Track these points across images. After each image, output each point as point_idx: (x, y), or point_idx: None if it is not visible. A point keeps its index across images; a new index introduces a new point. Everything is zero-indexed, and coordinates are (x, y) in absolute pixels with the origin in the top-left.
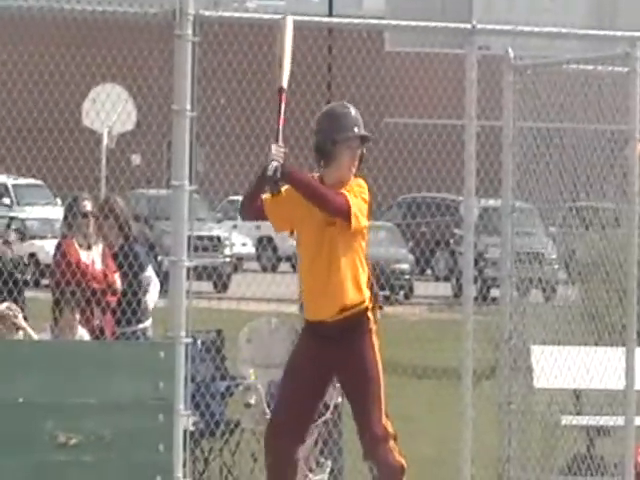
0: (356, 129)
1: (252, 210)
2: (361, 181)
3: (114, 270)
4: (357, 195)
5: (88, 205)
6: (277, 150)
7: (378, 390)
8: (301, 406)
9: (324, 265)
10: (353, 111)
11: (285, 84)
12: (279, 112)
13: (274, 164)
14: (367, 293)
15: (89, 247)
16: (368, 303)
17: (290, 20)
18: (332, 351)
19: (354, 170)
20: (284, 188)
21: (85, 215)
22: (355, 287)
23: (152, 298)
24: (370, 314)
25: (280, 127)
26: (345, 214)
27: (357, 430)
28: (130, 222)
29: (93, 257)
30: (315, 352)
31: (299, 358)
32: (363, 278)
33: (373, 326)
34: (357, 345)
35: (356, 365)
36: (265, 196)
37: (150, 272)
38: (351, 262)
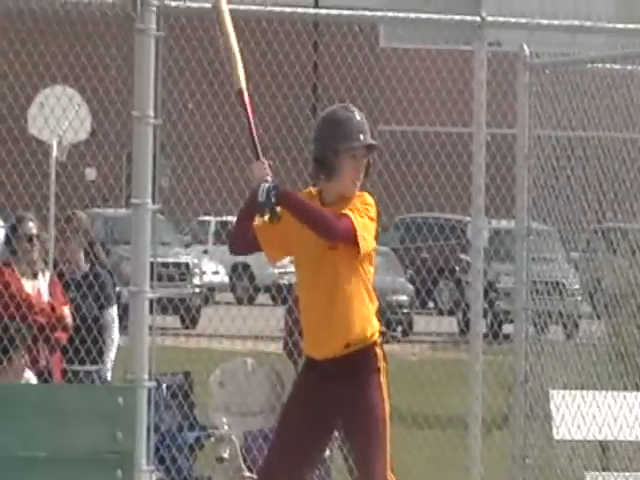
0: (361, 136)
1: (245, 245)
2: (367, 196)
3: (63, 302)
4: (362, 214)
5: (33, 227)
6: (261, 169)
7: (384, 438)
8: (299, 455)
9: (326, 294)
10: (358, 115)
11: (243, 84)
12: (247, 121)
13: (264, 186)
14: (377, 326)
15: (34, 275)
16: (377, 337)
17: (224, 2)
18: (335, 391)
19: (359, 184)
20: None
21: (30, 238)
22: (361, 319)
23: (115, 339)
24: (379, 350)
25: (255, 139)
26: (351, 240)
27: None
28: (96, 243)
29: (39, 287)
30: (316, 394)
31: (298, 399)
32: (371, 308)
33: (382, 364)
34: (363, 385)
35: (361, 408)
36: (256, 223)
37: (114, 310)
38: (357, 290)
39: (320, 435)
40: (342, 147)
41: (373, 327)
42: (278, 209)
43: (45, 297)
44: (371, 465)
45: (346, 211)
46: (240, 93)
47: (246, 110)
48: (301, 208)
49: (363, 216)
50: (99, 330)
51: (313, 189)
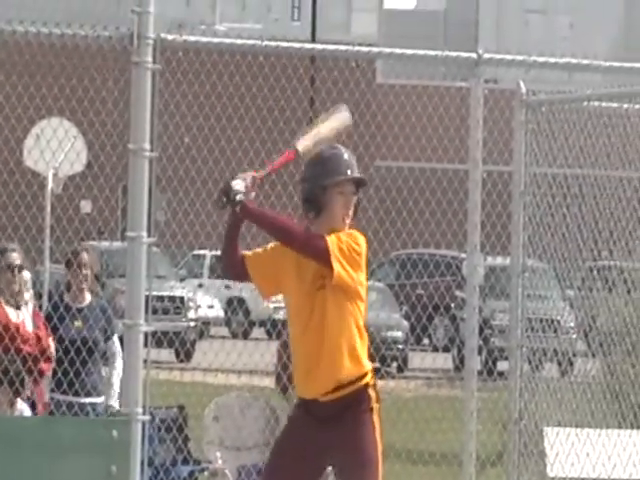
0: (349, 171)
1: (233, 266)
2: (356, 233)
3: (47, 333)
4: (342, 241)
5: (17, 258)
6: (244, 174)
7: (376, 478)
8: None
9: (316, 335)
10: (345, 153)
11: (300, 148)
12: (272, 168)
13: (237, 187)
14: (368, 365)
15: (18, 307)
16: (370, 378)
17: (347, 114)
18: (327, 433)
19: (348, 221)
20: (269, 246)
21: (13, 270)
22: (352, 359)
23: (118, 372)
24: (371, 391)
25: (267, 170)
26: (323, 258)
27: None
28: (100, 276)
29: (23, 318)
30: (308, 433)
31: (289, 439)
32: (362, 347)
33: (375, 405)
34: (356, 427)
35: (353, 449)
36: (246, 253)
37: (117, 340)
38: (347, 329)
39: (311, 474)
40: (329, 183)
41: (364, 366)
42: (238, 195)
43: (29, 327)
44: None
45: (325, 235)
46: (291, 149)
47: (281, 159)
48: (263, 215)
49: (342, 242)
50: (101, 362)
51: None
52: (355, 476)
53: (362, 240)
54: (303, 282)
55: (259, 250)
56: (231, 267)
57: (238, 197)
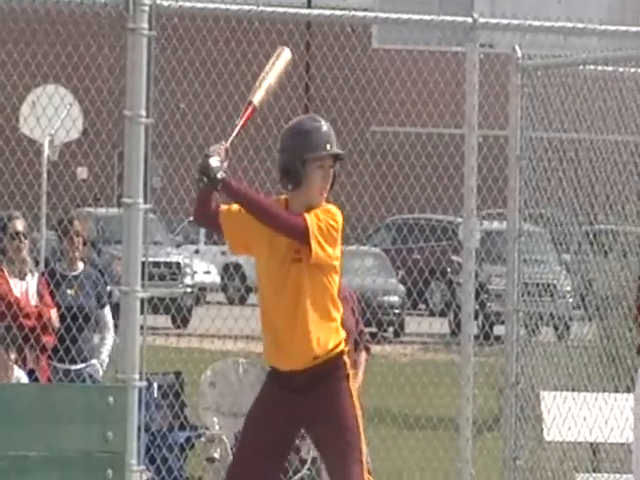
0: (328, 146)
1: (205, 213)
2: (331, 207)
3: (51, 305)
4: (321, 220)
5: (19, 225)
6: (216, 147)
7: (357, 443)
8: (262, 466)
9: (290, 306)
10: (325, 126)
11: (257, 101)
12: (240, 122)
13: (214, 164)
14: (342, 334)
15: (23, 276)
16: (343, 346)
17: (288, 53)
18: (301, 402)
19: (325, 194)
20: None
21: (19, 236)
22: (327, 330)
23: (108, 343)
24: (346, 358)
25: (233, 134)
26: (301, 234)
27: None
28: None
29: (27, 288)
30: (281, 402)
31: (262, 408)
32: (336, 318)
33: (350, 371)
34: (331, 394)
35: (330, 416)
36: (222, 206)
37: (109, 312)
38: (322, 302)
39: (284, 443)
40: (309, 157)
41: (339, 336)
42: (219, 173)
43: (33, 299)
44: (349, 470)
45: (305, 214)
46: (250, 104)
47: (244, 115)
48: (244, 193)
49: (321, 221)
50: (95, 328)
51: (281, 197)
52: (340, 442)
53: (339, 216)
54: (276, 250)
55: (236, 207)
56: (204, 213)
57: (219, 175)
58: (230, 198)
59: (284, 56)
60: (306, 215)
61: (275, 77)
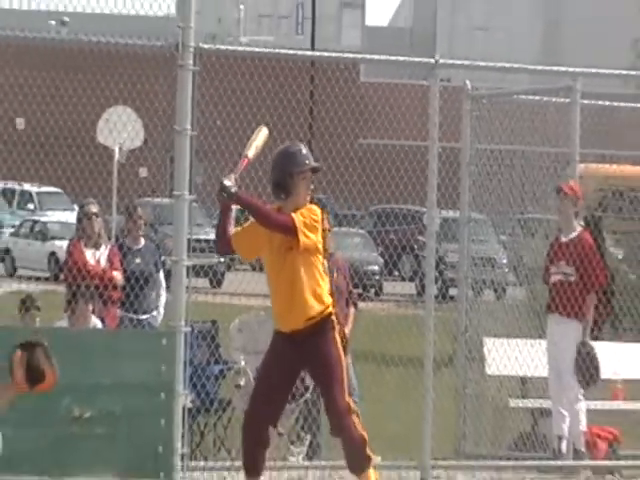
0: (307, 162)
1: (223, 244)
2: (314, 207)
3: (116, 268)
4: (305, 216)
5: (93, 208)
6: (229, 175)
7: (341, 373)
8: (273, 397)
9: (288, 284)
10: (304, 148)
11: (251, 157)
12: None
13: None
14: (329, 300)
15: (97, 247)
16: (330, 309)
17: (265, 131)
18: (300, 350)
19: (308, 198)
20: (248, 224)
21: (90, 216)
22: (317, 299)
23: (162, 299)
24: (333, 318)
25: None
26: (290, 230)
27: (324, 406)
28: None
29: (99, 256)
30: (286, 352)
31: (272, 357)
32: (324, 288)
33: (336, 326)
34: (321, 342)
35: (321, 356)
36: (234, 232)
37: (162, 275)
38: (312, 278)
39: (289, 380)
40: (295, 171)
41: (326, 302)
42: (232, 189)
43: (102, 264)
44: (333, 391)
45: (292, 214)
46: (246, 156)
47: (242, 167)
48: (250, 202)
49: (306, 217)
50: (153, 288)
51: (275, 205)
52: (327, 372)
53: (318, 212)
54: (274, 244)
55: (243, 227)
56: (221, 247)
57: (232, 190)
58: (240, 205)
59: (263, 133)
60: (292, 215)
61: (260, 142)
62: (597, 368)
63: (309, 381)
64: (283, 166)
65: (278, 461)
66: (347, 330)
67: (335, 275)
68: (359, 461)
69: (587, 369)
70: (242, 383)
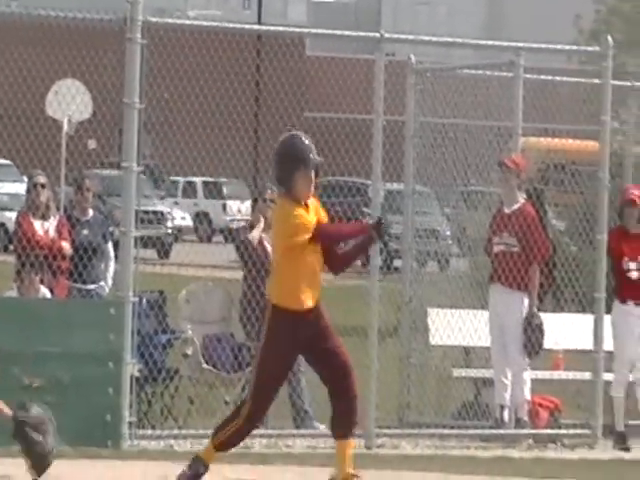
0: (311, 155)
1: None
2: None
3: (65, 238)
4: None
5: (41, 179)
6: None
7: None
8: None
9: (317, 263)
10: (306, 140)
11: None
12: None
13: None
14: None
15: (45, 218)
16: None
17: None
18: (315, 323)
19: (310, 194)
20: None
21: (38, 186)
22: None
23: (110, 270)
24: None
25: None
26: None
27: (336, 372)
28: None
29: (48, 227)
30: (304, 331)
31: (288, 341)
32: None
33: None
34: (323, 313)
35: (328, 325)
36: (311, 222)
37: (111, 246)
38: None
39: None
40: (298, 167)
41: None
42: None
43: (51, 234)
44: (345, 352)
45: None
46: None
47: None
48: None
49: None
50: (101, 259)
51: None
52: (335, 338)
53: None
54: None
55: (309, 220)
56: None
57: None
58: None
59: None
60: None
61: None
62: (542, 339)
63: (254, 351)
64: (285, 161)
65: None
66: None
67: None
68: (352, 424)
69: (535, 340)
70: (189, 352)
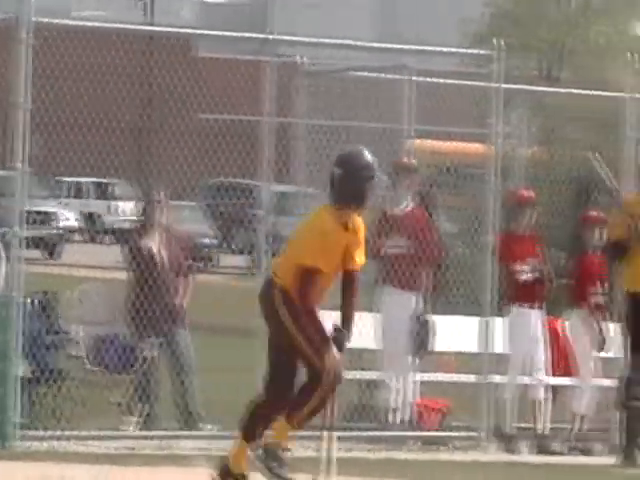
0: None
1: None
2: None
3: None
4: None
5: None
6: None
7: None
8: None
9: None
10: (369, 157)
11: None
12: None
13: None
14: None
15: None
16: None
17: None
18: None
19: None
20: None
21: None
22: None
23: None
24: None
25: None
26: None
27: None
28: None
29: None
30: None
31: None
32: None
33: None
34: None
35: None
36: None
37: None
38: None
39: None
40: (371, 184)
41: None
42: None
43: None
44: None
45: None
46: None
47: None
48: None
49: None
50: None
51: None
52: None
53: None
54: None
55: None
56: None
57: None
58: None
59: None
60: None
61: None
62: (429, 340)
63: (147, 352)
64: (355, 177)
65: (111, 430)
66: (183, 301)
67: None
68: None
69: (423, 341)
70: (74, 353)
